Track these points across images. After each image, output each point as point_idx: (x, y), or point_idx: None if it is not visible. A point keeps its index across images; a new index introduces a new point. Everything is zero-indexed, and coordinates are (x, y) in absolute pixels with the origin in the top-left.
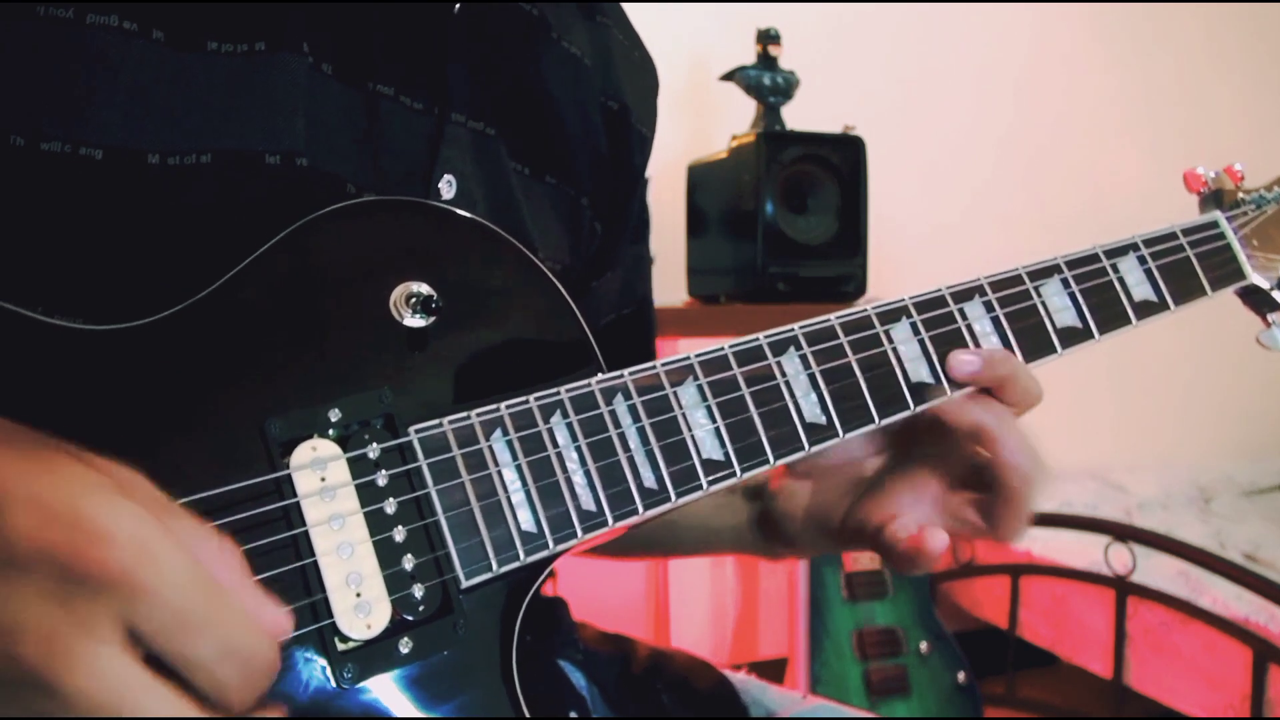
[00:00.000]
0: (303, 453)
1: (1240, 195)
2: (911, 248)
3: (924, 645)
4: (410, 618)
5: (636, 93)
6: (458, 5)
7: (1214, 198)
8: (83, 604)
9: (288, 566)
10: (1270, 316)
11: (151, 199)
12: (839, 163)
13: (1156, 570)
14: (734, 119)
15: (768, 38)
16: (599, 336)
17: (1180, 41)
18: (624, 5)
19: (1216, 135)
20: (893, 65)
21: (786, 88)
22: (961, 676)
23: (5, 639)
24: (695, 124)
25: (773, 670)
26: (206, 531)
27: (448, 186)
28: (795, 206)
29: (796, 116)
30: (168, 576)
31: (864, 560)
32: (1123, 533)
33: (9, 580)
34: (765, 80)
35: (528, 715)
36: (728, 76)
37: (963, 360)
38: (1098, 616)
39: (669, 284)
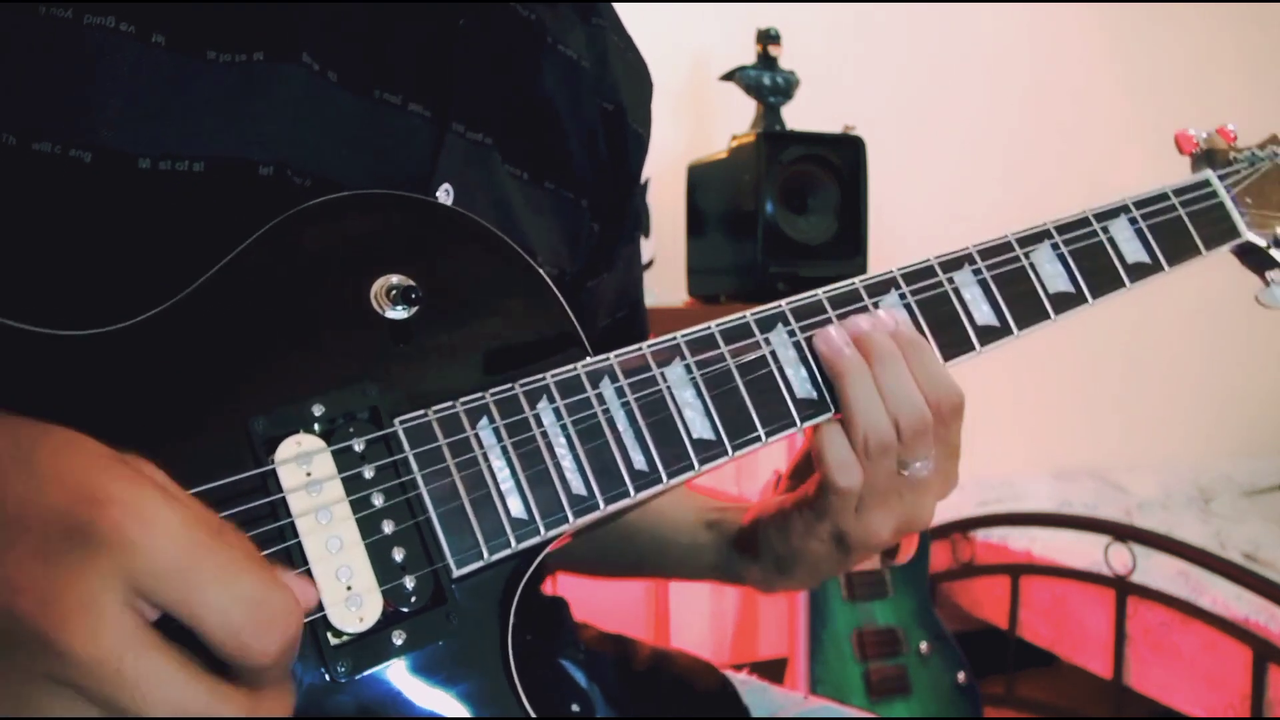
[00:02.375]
0: (287, 447)
1: (1233, 155)
2: (912, 248)
3: (924, 645)
4: (403, 609)
5: (632, 94)
6: (462, 20)
7: (1206, 157)
8: (77, 561)
9: (276, 561)
10: (1269, 274)
11: (140, 204)
12: (839, 163)
13: (1156, 570)
14: (734, 119)
15: (768, 38)
16: (597, 340)
17: (1185, 41)
18: (626, 5)
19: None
20: (893, 65)
21: (786, 88)
22: (961, 676)
23: (4, 597)
24: (695, 124)
25: (773, 670)
26: (214, 514)
27: (445, 195)
28: (795, 206)
29: (796, 116)
30: (163, 528)
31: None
32: (1123, 533)
33: (7, 540)
34: (765, 80)
35: (526, 704)
36: (728, 76)
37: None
38: (1098, 616)
39: (669, 284)
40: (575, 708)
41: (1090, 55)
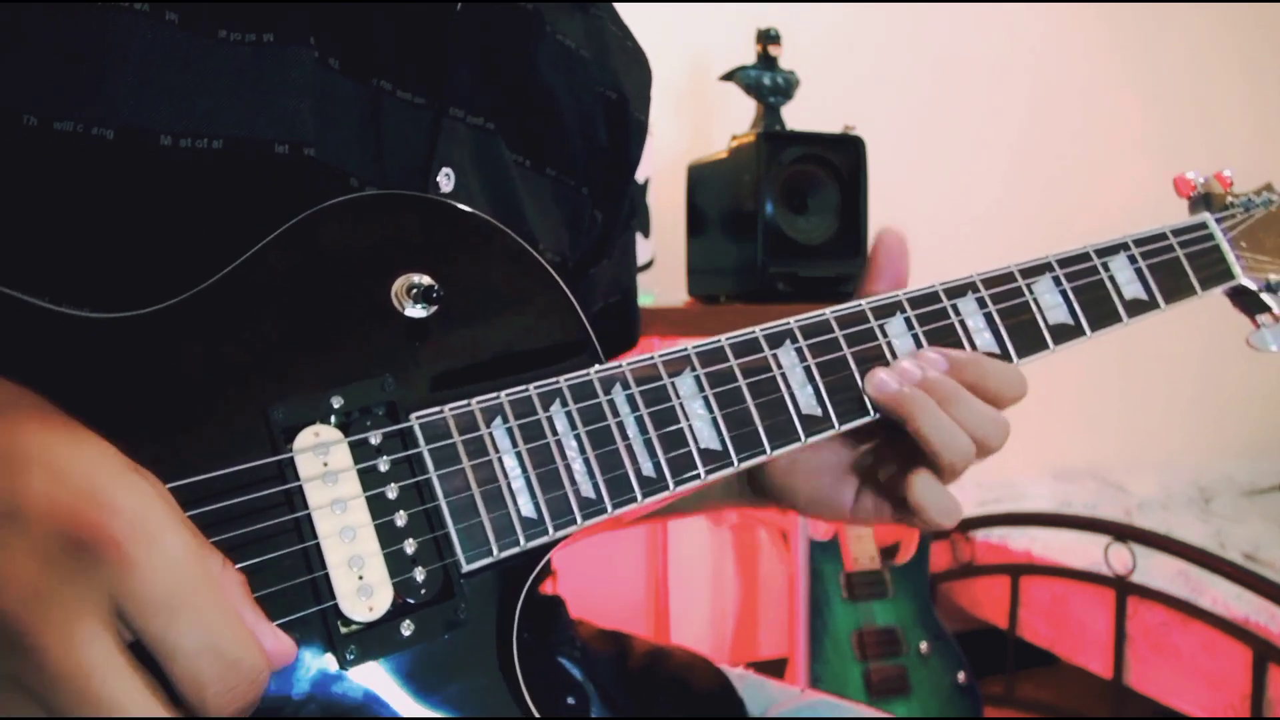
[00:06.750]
0: (305, 437)
1: (1229, 199)
2: (912, 248)
3: (924, 645)
4: (412, 601)
5: (632, 82)
6: (459, 4)
7: (1203, 201)
8: (71, 567)
9: (291, 548)
10: (1259, 318)
11: (163, 181)
12: (839, 163)
13: (1156, 570)
14: (734, 119)
15: (768, 38)
16: (590, 325)
17: (1185, 41)
18: (626, 5)
19: (1225, 137)
20: (893, 65)
21: (786, 88)
22: (961, 676)
23: None
24: (695, 124)
25: (772, 670)
26: (213, 549)
27: (446, 180)
28: (795, 206)
29: (796, 116)
30: (163, 556)
31: (864, 560)
32: (1123, 533)
33: (7, 532)
34: (765, 80)
35: (528, 699)
36: (728, 76)
37: (880, 380)
38: (1098, 616)
39: (669, 284)
40: (570, 701)
41: (1091, 54)
